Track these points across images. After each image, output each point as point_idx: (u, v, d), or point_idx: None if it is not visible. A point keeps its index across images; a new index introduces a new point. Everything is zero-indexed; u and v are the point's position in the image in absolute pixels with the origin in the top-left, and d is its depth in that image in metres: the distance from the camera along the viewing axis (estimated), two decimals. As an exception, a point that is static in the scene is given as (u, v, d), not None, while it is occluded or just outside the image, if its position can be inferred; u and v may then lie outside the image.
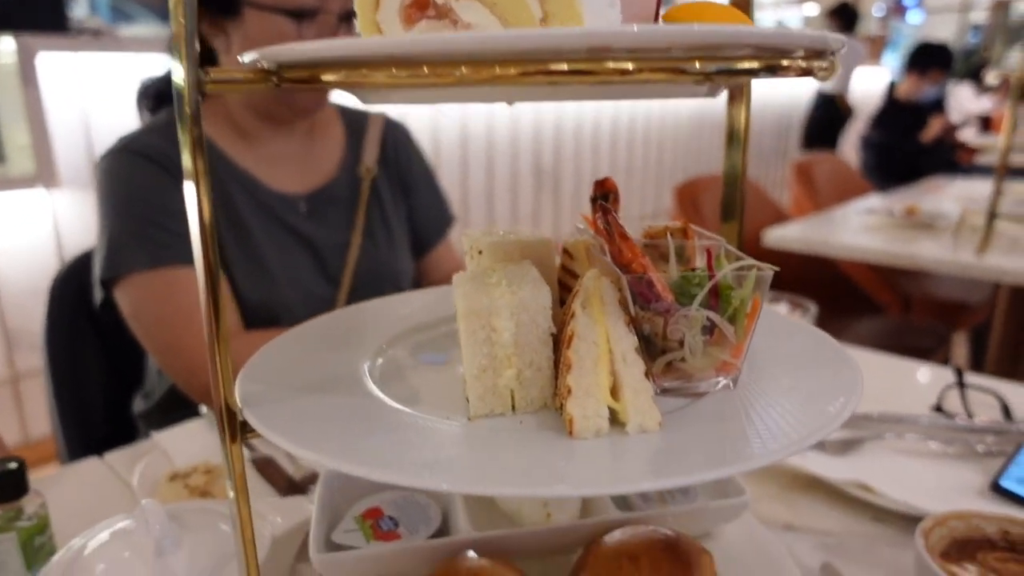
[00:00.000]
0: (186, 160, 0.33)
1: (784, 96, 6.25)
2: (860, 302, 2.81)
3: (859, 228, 2.31)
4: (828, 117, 5.64)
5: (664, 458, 0.31)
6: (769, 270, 0.37)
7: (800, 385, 0.39)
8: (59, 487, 0.85)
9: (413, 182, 1.40)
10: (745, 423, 0.36)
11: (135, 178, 1.11)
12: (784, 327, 0.48)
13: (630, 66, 0.28)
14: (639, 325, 0.38)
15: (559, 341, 0.37)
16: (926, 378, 1.10)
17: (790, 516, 0.78)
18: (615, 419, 0.35)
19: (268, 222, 1.21)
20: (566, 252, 0.46)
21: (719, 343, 0.38)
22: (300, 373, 0.42)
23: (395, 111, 1.42)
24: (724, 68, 0.30)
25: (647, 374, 0.36)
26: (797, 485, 0.84)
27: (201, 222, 0.34)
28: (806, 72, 0.34)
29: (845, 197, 3.06)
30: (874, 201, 2.77)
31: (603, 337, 0.36)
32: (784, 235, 2.22)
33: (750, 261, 0.37)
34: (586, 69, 0.28)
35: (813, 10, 6.88)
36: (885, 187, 3.33)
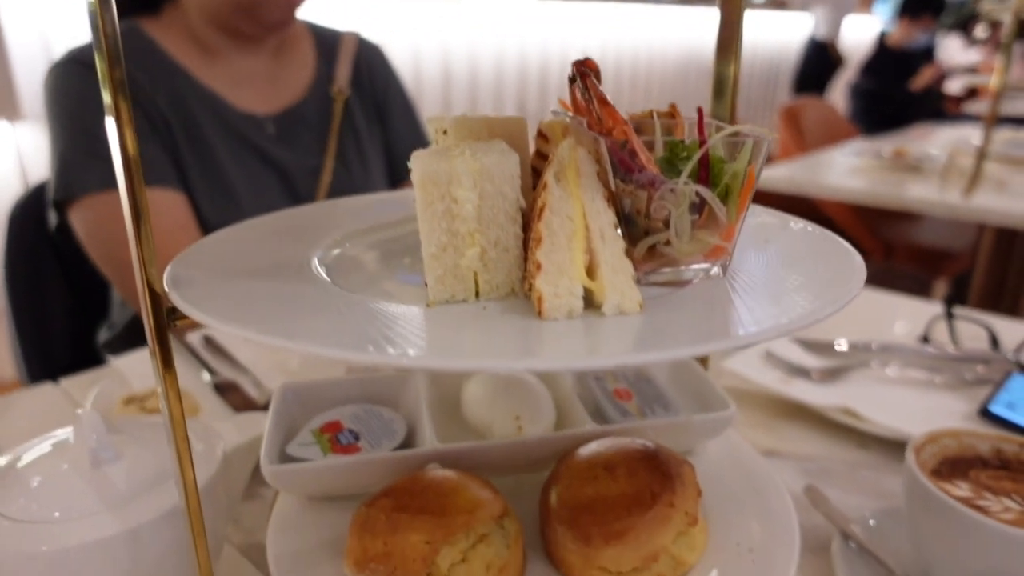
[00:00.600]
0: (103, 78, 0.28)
1: (775, 43, 6.15)
2: (843, 248, 2.79)
3: (846, 170, 2.27)
4: (819, 63, 5.58)
5: (643, 336, 0.27)
6: (768, 133, 0.32)
7: (797, 274, 0.35)
8: (10, 411, 0.81)
9: (389, 107, 1.34)
10: (734, 304, 0.32)
11: (85, 92, 1.04)
12: (776, 220, 0.44)
13: None
14: (619, 201, 0.33)
15: (529, 218, 0.33)
16: (912, 312, 1.08)
17: (773, 442, 0.75)
18: (590, 302, 0.31)
19: (234, 143, 1.15)
20: (541, 135, 0.41)
21: (708, 225, 0.34)
22: (240, 260, 0.38)
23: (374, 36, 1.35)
24: None
25: (627, 258, 0.32)
26: (781, 413, 0.81)
27: (125, 158, 0.29)
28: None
29: (832, 142, 3.01)
30: (861, 145, 2.72)
31: (579, 212, 0.32)
32: (770, 176, 2.18)
33: (746, 127, 0.33)
34: None
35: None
36: (872, 134, 3.28)
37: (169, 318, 0.34)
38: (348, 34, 1.29)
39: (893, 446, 0.74)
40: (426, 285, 0.33)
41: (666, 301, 0.32)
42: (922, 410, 0.78)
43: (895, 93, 4.61)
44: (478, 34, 3.26)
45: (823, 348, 0.91)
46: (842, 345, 0.91)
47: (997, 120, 1.91)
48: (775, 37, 6.14)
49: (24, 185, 2.31)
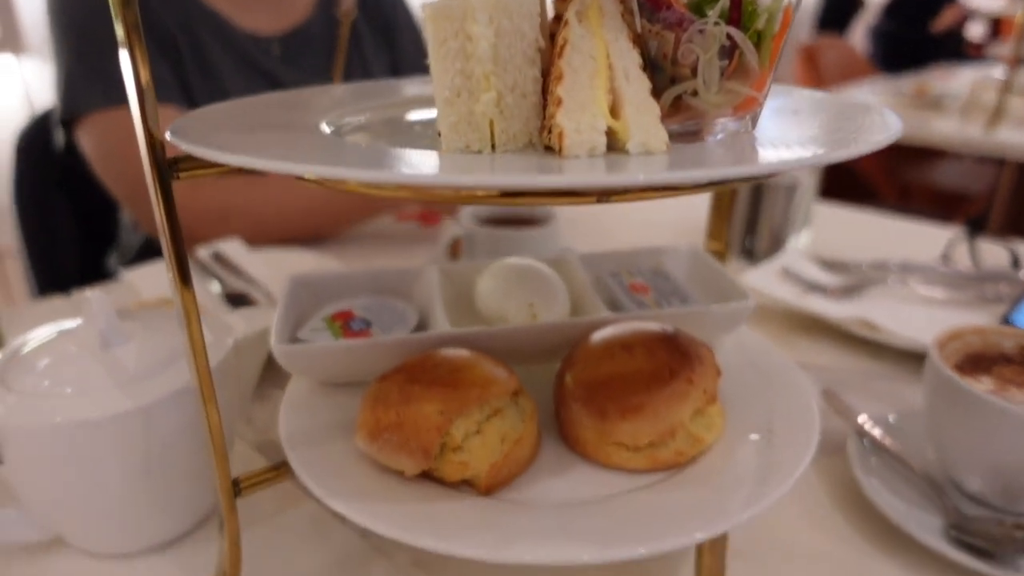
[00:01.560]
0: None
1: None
2: (858, 191, 2.75)
3: (865, 106, 2.21)
4: (841, 4, 5.42)
5: (671, 165, 0.26)
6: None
7: (825, 129, 0.33)
8: (20, 321, 0.81)
9: (398, 31, 1.30)
10: (764, 141, 0.30)
11: (88, 7, 1.01)
12: (806, 93, 0.42)
13: None
14: (645, 43, 0.31)
15: (549, 61, 0.31)
16: (932, 237, 1.06)
17: (790, 355, 0.74)
18: (613, 146, 0.30)
19: (239, 64, 1.12)
20: (560, -3, 0.39)
21: (737, 75, 0.32)
22: (245, 119, 0.36)
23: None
24: None
25: (654, 99, 0.30)
26: (798, 327, 0.80)
27: (139, 88, 0.28)
28: None
29: (850, 82, 2.94)
30: (881, 84, 2.66)
31: (602, 51, 0.30)
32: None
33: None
34: None
35: None
36: (892, 75, 3.20)
37: (171, 171, 0.32)
38: (354, -47, 1.24)
39: (909, 357, 0.73)
40: (439, 135, 0.32)
41: (694, 146, 0.31)
42: (940, 323, 0.77)
43: (916, 35, 4.49)
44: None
45: (840, 266, 0.89)
46: (859, 264, 0.89)
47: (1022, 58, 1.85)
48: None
49: (32, 116, 2.29)
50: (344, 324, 0.49)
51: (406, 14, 1.32)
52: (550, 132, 0.30)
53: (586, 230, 1.09)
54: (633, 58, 0.30)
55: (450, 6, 0.29)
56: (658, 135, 0.29)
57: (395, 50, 1.30)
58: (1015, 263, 0.90)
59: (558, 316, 0.50)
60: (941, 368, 0.49)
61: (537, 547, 0.34)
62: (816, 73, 3.09)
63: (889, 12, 4.74)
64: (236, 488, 0.41)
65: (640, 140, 0.29)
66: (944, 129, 1.92)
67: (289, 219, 1.03)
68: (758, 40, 0.32)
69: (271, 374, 0.63)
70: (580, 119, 0.28)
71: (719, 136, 0.33)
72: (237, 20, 1.12)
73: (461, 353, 0.43)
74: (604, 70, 0.30)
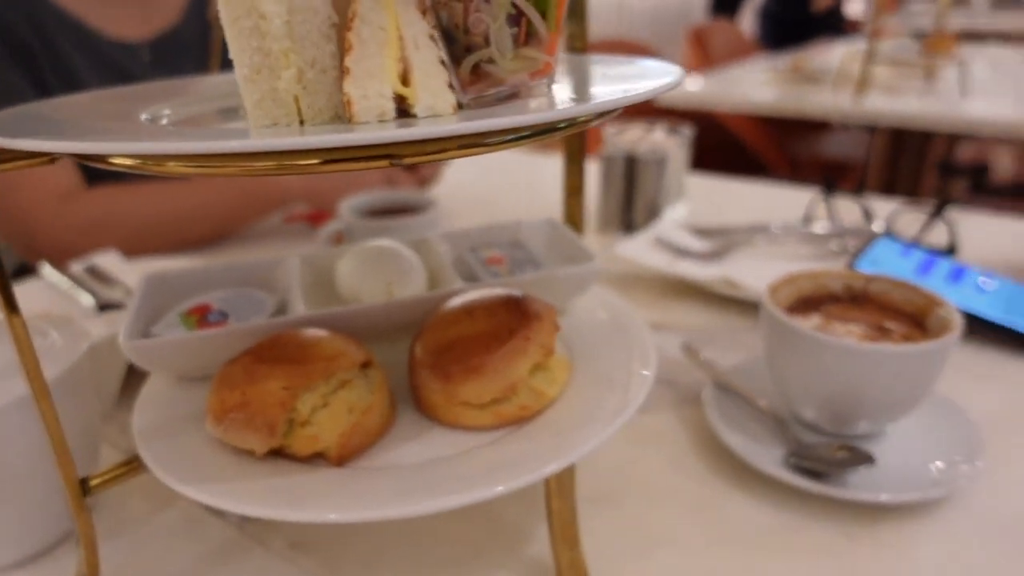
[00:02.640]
0: None
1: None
2: (751, 164, 2.88)
3: (748, 84, 2.32)
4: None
5: (465, 120, 0.28)
6: (571, -69, 0.33)
7: (616, 84, 0.36)
8: None
9: None
10: (561, 96, 0.33)
11: None
12: (604, 60, 0.44)
13: None
14: (436, 13, 0.33)
15: (341, 32, 0.32)
16: (799, 199, 1.12)
17: (661, 317, 0.78)
18: (407, 109, 0.31)
19: (107, 75, 1.09)
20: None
21: (530, 43, 0.35)
22: (60, 112, 0.36)
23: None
24: None
25: (444, 64, 0.32)
26: (670, 291, 0.84)
27: None
28: None
29: (736, 61, 3.06)
30: (762, 62, 2.78)
31: (392, 23, 0.31)
32: (676, 93, 2.20)
33: (556, -65, 0.33)
34: None
35: None
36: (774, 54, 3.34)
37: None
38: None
39: (770, 310, 0.78)
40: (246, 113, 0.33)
41: (484, 104, 0.33)
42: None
43: (798, 15, 4.71)
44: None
45: (711, 232, 0.94)
46: (729, 229, 0.94)
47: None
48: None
49: None
50: (201, 318, 0.49)
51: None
52: (344, 101, 0.31)
53: (469, 217, 1.11)
54: (422, 28, 0.32)
55: (238, -18, 0.30)
56: (445, 99, 0.31)
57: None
58: (867, 217, 0.97)
59: (414, 292, 0.51)
60: (771, 310, 0.53)
61: (396, 503, 0.35)
62: (705, 54, 3.21)
63: (771, -7, 4.95)
64: (85, 487, 0.41)
65: (427, 104, 0.30)
66: (820, 101, 2.03)
67: (170, 226, 1.00)
68: (544, 8, 0.34)
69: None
70: (367, 86, 0.30)
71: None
72: (100, 26, 1.08)
73: (310, 331, 0.44)
74: (394, 40, 0.31)
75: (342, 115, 0.34)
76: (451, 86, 0.32)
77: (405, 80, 0.31)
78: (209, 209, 1.02)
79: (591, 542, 0.47)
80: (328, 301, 0.53)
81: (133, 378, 0.61)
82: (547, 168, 1.40)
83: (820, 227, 0.93)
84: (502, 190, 1.31)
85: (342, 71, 0.30)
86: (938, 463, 0.52)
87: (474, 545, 0.49)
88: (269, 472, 0.39)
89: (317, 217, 1.10)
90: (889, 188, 2.20)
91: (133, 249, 0.89)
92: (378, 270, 0.52)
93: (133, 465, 0.42)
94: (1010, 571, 0.45)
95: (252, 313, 0.50)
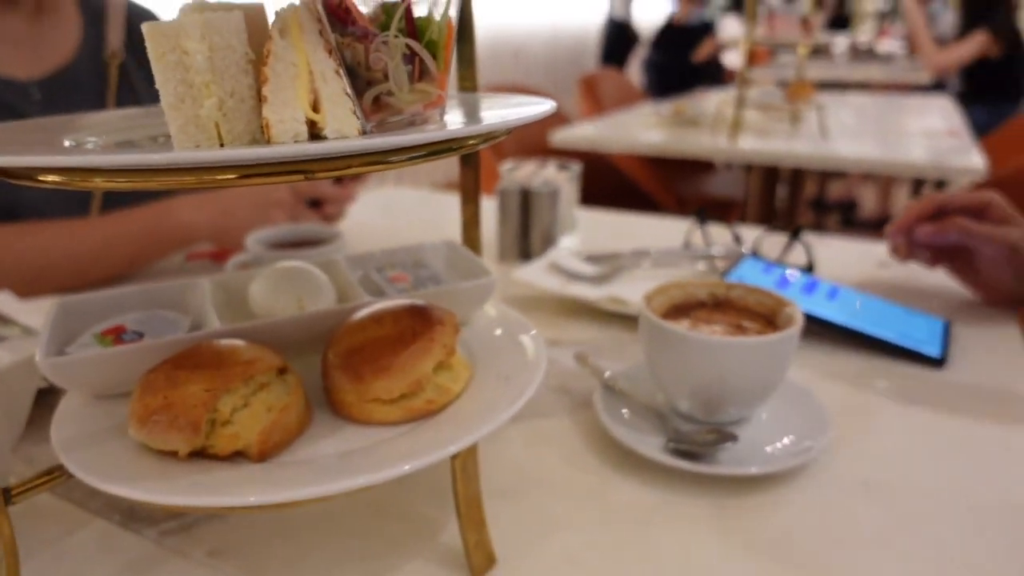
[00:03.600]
0: None
1: (577, 24, 6.53)
2: (643, 203, 3.04)
3: (635, 127, 2.49)
4: (618, 41, 6.03)
5: (368, 139, 0.33)
6: (450, -6, 0.39)
7: (498, 114, 0.42)
8: None
9: None
10: (451, 120, 0.39)
11: None
12: (485, 96, 0.51)
13: None
14: (342, 53, 0.38)
15: (258, 67, 0.37)
16: (678, 228, 1.23)
17: (557, 335, 0.85)
18: (317, 133, 0.36)
19: (-6, 111, 1.08)
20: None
21: (424, 78, 0.40)
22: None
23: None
24: None
25: (348, 95, 0.37)
26: (564, 311, 0.91)
27: None
28: None
29: (624, 107, 3.26)
30: (648, 107, 2.98)
31: (302, 60, 0.36)
32: (569, 135, 2.33)
33: (442, -6, 0.40)
34: None
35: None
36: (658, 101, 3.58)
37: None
38: (114, -2, 1.24)
39: (654, 323, 0.86)
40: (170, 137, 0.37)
41: (388, 129, 0.38)
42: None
43: (680, 65, 5.06)
44: None
45: (599, 258, 1.02)
46: (618, 255, 1.02)
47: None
48: (577, 16, 6.53)
49: None
50: (116, 338, 0.52)
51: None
52: (263, 126, 0.36)
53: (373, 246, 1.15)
54: (329, 64, 0.37)
55: (166, 25, 0.35)
56: (351, 123, 0.36)
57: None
58: (736, 241, 1.08)
59: (324, 306, 0.55)
60: (648, 316, 0.60)
61: (313, 485, 0.39)
62: (596, 100, 3.40)
63: (657, 45, 5.30)
64: (7, 496, 0.42)
65: (335, 127, 0.36)
66: (699, 142, 2.20)
67: (69, 266, 0.99)
68: (434, 49, 0.40)
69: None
70: (283, 112, 0.35)
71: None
72: (-13, 66, 1.07)
73: (228, 341, 0.47)
74: (305, 74, 0.36)
75: (259, 139, 0.38)
76: (355, 114, 0.37)
77: (315, 108, 0.36)
78: (111, 248, 1.02)
79: (497, 529, 0.51)
80: (241, 319, 0.56)
81: (37, 412, 0.61)
82: (448, 205, 1.46)
83: (695, 251, 1.03)
84: (405, 226, 1.36)
85: (260, 99, 0.35)
86: (794, 439, 0.60)
87: (391, 539, 0.53)
88: (193, 470, 0.42)
89: (221, 255, 1.12)
90: (767, 223, 2.40)
91: (31, 290, 0.89)
92: (289, 287, 0.55)
93: (55, 475, 0.44)
94: (859, 528, 0.53)
95: (167, 332, 0.53)
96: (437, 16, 0.39)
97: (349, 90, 0.38)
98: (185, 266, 1.11)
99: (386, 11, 0.39)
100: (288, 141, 0.35)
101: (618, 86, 3.85)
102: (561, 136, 2.31)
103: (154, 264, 1.08)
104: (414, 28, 0.39)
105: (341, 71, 0.38)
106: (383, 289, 0.59)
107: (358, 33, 0.38)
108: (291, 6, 0.37)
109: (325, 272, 0.60)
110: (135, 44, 1.23)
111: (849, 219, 4.64)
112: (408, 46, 0.39)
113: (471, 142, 0.39)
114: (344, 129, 0.36)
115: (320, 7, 0.37)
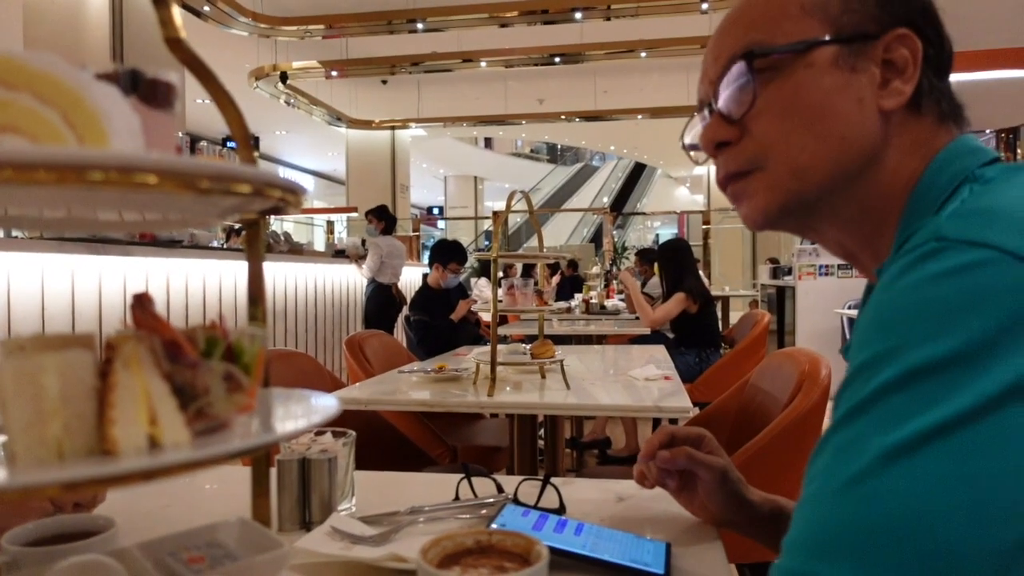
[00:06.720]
0: None
1: (343, 285, 6.93)
2: (420, 458, 3.15)
3: (404, 385, 2.67)
4: (383, 303, 6.45)
5: (198, 446, 0.43)
6: (261, 329, 0.53)
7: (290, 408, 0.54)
8: None
9: None
10: (263, 423, 0.50)
11: None
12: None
13: (153, 180, 0.43)
14: (174, 378, 0.49)
15: (103, 393, 0.46)
16: (449, 481, 1.36)
17: (341, 597, 0.90)
18: (156, 443, 0.46)
19: None
20: (109, 346, 0.55)
21: (238, 391, 0.52)
22: None
23: None
24: (224, 189, 0.47)
25: (180, 412, 0.47)
26: (352, 572, 0.97)
27: None
28: (282, 202, 0.53)
29: (394, 367, 3.47)
30: (413, 365, 3.21)
31: (142, 388, 0.47)
32: (342, 396, 2.43)
33: (256, 329, 0.53)
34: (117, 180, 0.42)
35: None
36: (429, 358, 3.86)
37: None
38: None
39: None
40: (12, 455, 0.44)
41: (212, 439, 0.49)
42: (451, 545, 1.02)
43: (440, 324, 5.51)
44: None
45: (378, 519, 1.10)
46: (396, 513, 1.12)
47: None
48: (342, 280, 6.94)
49: None
50: None
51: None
52: (108, 441, 0.44)
53: (152, 528, 1.12)
54: (164, 388, 0.48)
55: (25, 362, 0.43)
56: (183, 435, 0.46)
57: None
58: (499, 490, 1.23)
59: (122, 595, 0.58)
60: (424, 566, 0.70)
61: None
62: (363, 361, 3.57)
63: (416, 306, 5.77)
64: None
65: (171, 439, 0.45)
66: (464, 398, 2.42)
67: None
68: (248, 369, 0.52)
69: None
70: (128, 430, 0.44)
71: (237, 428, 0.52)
72: None
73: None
74: (144, 396, 0.46)
75: (95, 451, 0.46)
76: (185, 425, 0.47)
77: (154, 422, 0.46)
78: None
79: None
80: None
81: None
82: (233, 473, 1.46)
83: (464, 502, 1.16)
84: (178, 498, 1.33)
85: (106, 420, 0.44)
86: (554, 666, 0.70)
87: None
88: None
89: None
90: (532, 465, 2.61)
91: None
92: (87, 582, 0.58)
93: None
94: None
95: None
96: (252, 348, 0.52)
97: (179, 406, 0.48)
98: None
99: (211, 344, 0.51)
100: (131, 452, 0.44)
101: (384, 345, 4.09)
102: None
103: None
104: (232, 355, 0.51)
105: (172, 392, 0.48)
106: (180, 573, 0.63)
107: (188, 362, 0.49)
108: (132, 343, 0.48)
109: (119, 562, 0.63)
110: None
111: (605, 456, 5.10)
112: (227, 371, 0.51)
113: (272, 443, 0.51)
114: (178, 439, 0.46)
115: (159, 345, 0.48)
